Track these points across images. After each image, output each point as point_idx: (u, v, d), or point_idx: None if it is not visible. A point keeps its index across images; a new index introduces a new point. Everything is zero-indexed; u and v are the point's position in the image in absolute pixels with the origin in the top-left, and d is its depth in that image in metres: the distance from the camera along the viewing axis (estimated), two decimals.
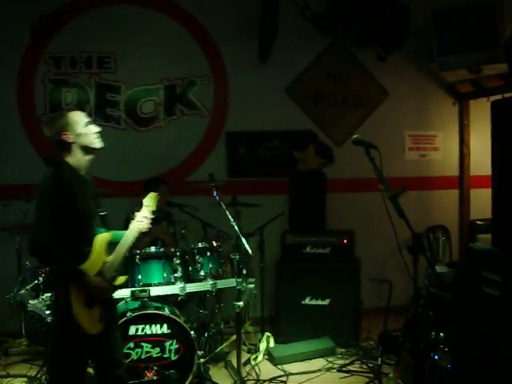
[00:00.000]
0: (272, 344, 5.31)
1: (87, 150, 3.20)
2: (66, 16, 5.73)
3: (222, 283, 4.63)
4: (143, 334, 4.15)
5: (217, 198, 4.67)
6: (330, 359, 5.08)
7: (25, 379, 4.60)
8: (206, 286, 4.53)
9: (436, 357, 3.85)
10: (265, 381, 4.66)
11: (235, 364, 4.66)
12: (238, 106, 6.06)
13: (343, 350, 5.23)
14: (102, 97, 5.85)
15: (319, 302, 5.47)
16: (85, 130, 3.20)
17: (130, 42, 5.82)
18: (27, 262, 4.75)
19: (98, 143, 3.24)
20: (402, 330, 4.39)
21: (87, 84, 5.82)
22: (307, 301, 5.49)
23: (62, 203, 3.04)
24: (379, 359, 4.73)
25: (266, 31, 5.66)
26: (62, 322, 3.10)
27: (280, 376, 4.77)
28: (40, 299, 4.29)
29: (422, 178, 6.46)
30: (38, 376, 4.53)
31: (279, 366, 4.95)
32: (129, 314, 4.12)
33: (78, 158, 3.19)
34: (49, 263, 3.35)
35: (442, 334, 3.88)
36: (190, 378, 4.20)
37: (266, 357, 5.17)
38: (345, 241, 5.49)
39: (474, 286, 3.73)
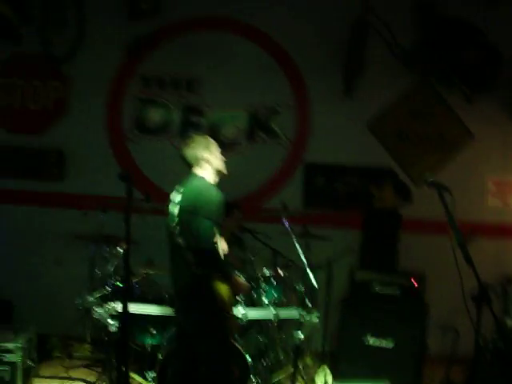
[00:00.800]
0: (329, 380, 5.22)
1: (218, 173, 3.82)
2: (160, 39, 5.96)
3: (285, 313, 4.60)
4: None
5: (287, 226, 4.67)
6: None
7: None
8: (268, 315, 4.52)
9: None
10: None
11: None
12: (318, 138, 6.07)
13: None
14: (187, 119, 6.01)
15: (383, 344, 5.34)
16: (220, 156, 3.84)
17: (217, 67, 5.98)
18: (98, 271, 4.91)
19: (225, 170, 3.87)
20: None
21: (174, 105, 6.01)
22: (370, 341, 5.38)
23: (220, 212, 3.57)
24: None
25: (352, 65, 5.67)
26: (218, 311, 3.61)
27: None
28: (106, 308, 4.41)
29: (502, 226, 6.22)
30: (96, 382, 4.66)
31: None
32: None
33: (210, 178, 3.75)
34: (216, 263, 3.62)
35: None
36: None
37: None
38: (415, 283, 5.35)
39: None
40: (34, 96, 5.99)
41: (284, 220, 4.70)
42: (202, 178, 3.74)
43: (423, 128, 6.12)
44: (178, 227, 3.61)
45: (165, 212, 3.84)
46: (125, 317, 3.32)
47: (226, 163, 3.98)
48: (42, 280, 5.86)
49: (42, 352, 5.33)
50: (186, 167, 3.82)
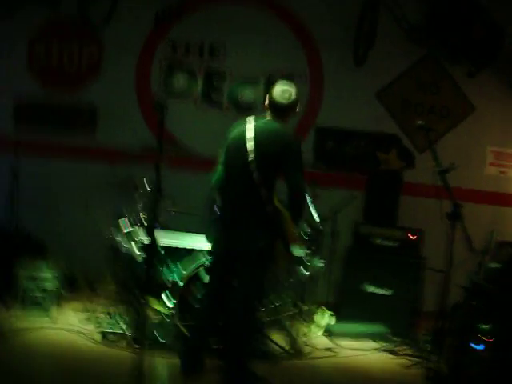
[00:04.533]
0: (329, 321, 5.72)
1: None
2: (187, 8, 6.45)
3: None
4: None
5: None
6: (382, 343, 5.46)
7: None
8: None
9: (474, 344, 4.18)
10: (317, 348, 5.12)
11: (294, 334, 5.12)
12: (329, 104, 6.55)
13: (397, 338, 5.55)
14: (209, 82, 6.52)
15: (381, 292, 5.84)
16: None
17: (239, 36, 6.45)
18: (126, 213, 5.44)
19: None
20: (449, 314, 4.68)
21: (197, 69, 6.52)
22: (370, 289, 5.87)
23: None
24: (429, 346, 5.06)
25: (362, 37, 6.15)
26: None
27: (333, 348, 5.21)
28: (133, 241, 4.91)
29: (499, 193, 6.68)
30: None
31: (332, 340, 5.40)
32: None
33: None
34: (299, 208, 3.99)
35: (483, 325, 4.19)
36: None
37: (323, 333, 5.61)
38: (412, 237, 5.84)
39: None
40: (70, 57, 6.50)
41: None
42: (281, 124, 4.04)
43: (428, 99, 6.59)
44: (255, 163, 3.86)
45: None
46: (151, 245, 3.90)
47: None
48: (74, 224, 6.35)
49: (70, 288, 5.85)
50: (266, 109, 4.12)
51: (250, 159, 3.87)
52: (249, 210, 3.97)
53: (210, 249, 4.42)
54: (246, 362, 4.13)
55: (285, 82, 4.18)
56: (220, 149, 4.24)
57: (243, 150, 3.92)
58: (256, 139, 3.91)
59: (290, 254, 4.06)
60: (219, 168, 4.20)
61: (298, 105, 4.14)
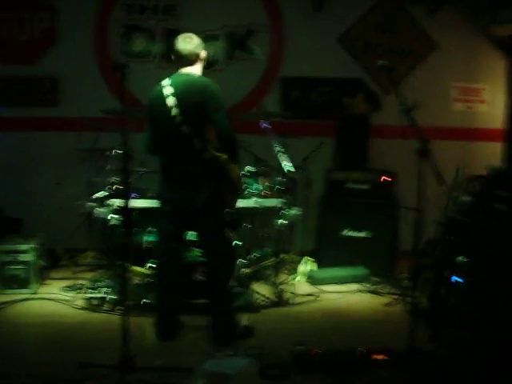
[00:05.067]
0: (311, 268, 5.81)
1: (204, 67, 4.17)
2: None
3: (267, 202, 5.06)
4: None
5: (265, 125, 5.10)
6: (363, 285, 5.56)
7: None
8: (250, 202, 5.00)
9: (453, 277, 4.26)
10: (300, 295, 5.19)
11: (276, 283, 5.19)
12: (292, 53, 6.51)
13: (377, 278, 5.66)
14: (168, 41, 6.41)
15: (358, 234, 5.91)
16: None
17: None
18: (96, 179, 5.41)
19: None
20: (424, 247, 4.76)
21: (155, 29, 6.42)
22: (347, 233, 5.94)
23: None
24: (407, 281, 5.17)
25: None
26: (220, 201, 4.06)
27: (315, 293, 5.29)
28: (106, 206, 4.89)
29: (466, 128, 6.74)
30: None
31: (315, 287, 5.47)
32: None
33: (199, 73, 4.11)
34: (232, 148, 4.06)
35: (460, 258, 4.27)
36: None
37: (305, 280, 5.69)
38: (384, 178, 5.89)
39: (487, 205, 4.10)
40: (23, 28, 6.34)
41: (263, 122, 5.18)
42: (197, 74, 4.09)
43: (389, 40, 6.56)
44: (180, 117, 3.90)
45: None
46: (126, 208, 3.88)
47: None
48: (46, 198, 6.33)
49: (50, 262, 5.83)
50: (175, 64, 4.12)
51: (173, 114, 3.92)
52: (187, 164, 4.01)
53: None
54: (232, 311, 4.22)
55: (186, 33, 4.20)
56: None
57: (164, 108, 3.96)
58: (175, 93, 3.96)
59: (236, 193, 4.18)
60: (147, 133, 4.17)
61: (204, 51, 4.15)
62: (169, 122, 3.95)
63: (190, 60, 4.07)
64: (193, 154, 3.95)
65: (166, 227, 4.23)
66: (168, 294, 4.24)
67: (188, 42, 4.06)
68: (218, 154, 3.97)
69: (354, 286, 5.51)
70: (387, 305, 5.06)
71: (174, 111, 3.92)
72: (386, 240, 5.85)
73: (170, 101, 3.94)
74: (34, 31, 6.36)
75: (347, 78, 6.57)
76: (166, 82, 4.05)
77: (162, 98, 3.97)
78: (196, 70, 4.11)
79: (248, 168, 5.17)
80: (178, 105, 3.93)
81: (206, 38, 6.29)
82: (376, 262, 5.77)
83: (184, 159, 4.02)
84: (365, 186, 5.98)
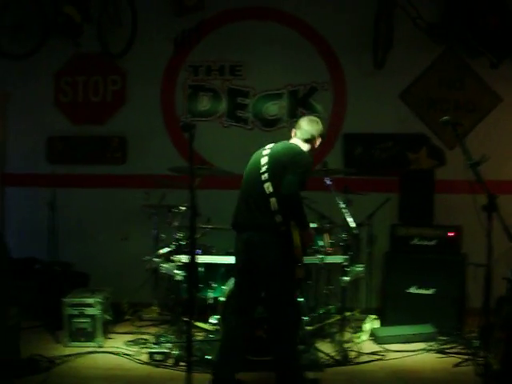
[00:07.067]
0: (376, 326, 5.69)
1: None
2: (204, 31, 6.59)
3: (330, 258, 5.07)
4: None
5: (328, 183, 5.12)
6: (430, 343, 5.38)
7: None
8: (314, 259, 5.01)
9: None
10: (365, 353, 5.07)
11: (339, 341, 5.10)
12: (354, 110, 6.58)
13: (445, 337, 5.48)
14: (233, 100, 6.61)
15: (425, 292, 5.78)
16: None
17: (259, 52, 6.56)
18: (162, 235, 5.53)
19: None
20: (495, 308, 4.61)
21: (220, 89, 6.62)
22: (413, 290, 5.82)
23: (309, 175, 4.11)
24: (476, 341, 4.98)
25: (379, 41, 6.16)
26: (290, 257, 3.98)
27: (380, 351, 5.17)
28: (171, 263, 4.98)
29: None
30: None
31: (380, 345, 5.34)
32: None
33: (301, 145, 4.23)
34: (296, 210, 3.99)
35: None
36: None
37: (369, 338, 5.57)
38: (451, 234, 5.78)
39: None
40: (96, 90, 6.68)
41: (326, 179, 5.18)
42: (297, 144, 4.23)
43: (452, 95, 6.54)
44: (267, 174, 4.01)
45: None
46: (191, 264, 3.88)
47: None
48: (113, 253, 6.51)
49: (115, 316, 5.93)
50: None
51: (262, 171, 4.06)
52: (263, 220, 3.99)
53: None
54: (299, 368, 4.16)
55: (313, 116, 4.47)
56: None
57: (258, 164, 4.12)
58: (270, 154, 4.14)
59: (300, 265, 4.07)
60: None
61: (319, 138, 4.30)
62: (257, 178, 4.07)
63: (306, 139, 4.24)
64: (268, 213, 3.96)
65: (239, 282, 4.26)
66: (229, 349, 4.15)
67: (312, 126, 4.26)
68: (292, 225, 3.96)
69: (421, 345, 5.33)
70: (456, 365, 4.87)
71: (264, 168, 4.07)
72: (453, 297, 5.70)
73: (264, 159, 4.12)
74: (107, 93, 6.69)
75: (410, 133, 6.56)
76: (270, 145, 4.25)
77: (259, 158, 4.17)
78: (299, 142, 4.25)
79: (312, 225, 5.17)
80: (269, 162, 4.08)
81: (270, 97, 6.57)
82: (443, 320, 5.61)
83: (258, 216, 4.01)
84: (431, 242, 5.88)
